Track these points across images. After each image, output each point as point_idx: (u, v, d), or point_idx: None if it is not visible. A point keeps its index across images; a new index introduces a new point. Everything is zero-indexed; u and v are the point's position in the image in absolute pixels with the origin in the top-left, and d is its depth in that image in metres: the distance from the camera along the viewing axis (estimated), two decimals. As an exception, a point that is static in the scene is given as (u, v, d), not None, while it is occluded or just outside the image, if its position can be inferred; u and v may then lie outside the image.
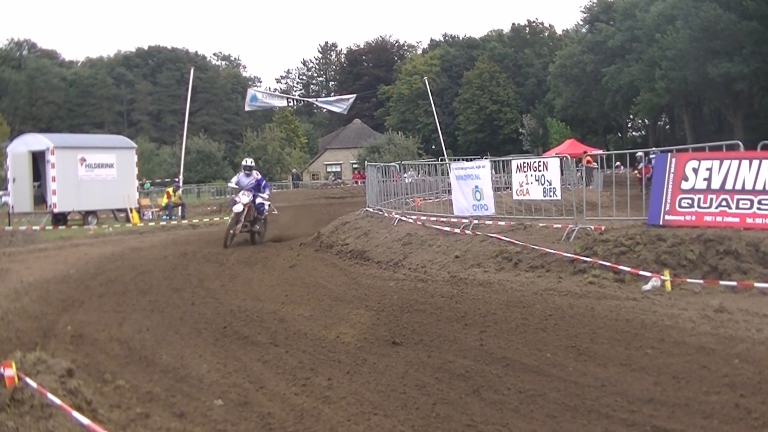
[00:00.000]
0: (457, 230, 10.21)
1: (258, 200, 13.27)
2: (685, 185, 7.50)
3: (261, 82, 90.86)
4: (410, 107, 70.95)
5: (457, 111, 67.82)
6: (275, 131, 51.18)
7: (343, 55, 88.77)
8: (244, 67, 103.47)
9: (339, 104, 27.87)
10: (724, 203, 7.15)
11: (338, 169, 63.67)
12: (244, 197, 12.98)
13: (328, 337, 5.74)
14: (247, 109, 26.99)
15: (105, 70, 76.47)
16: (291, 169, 48.21)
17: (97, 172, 20.36)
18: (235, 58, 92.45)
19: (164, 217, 22.17)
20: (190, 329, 6.27)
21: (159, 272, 9.94)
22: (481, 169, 10.57)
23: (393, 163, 17.18)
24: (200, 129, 59.84)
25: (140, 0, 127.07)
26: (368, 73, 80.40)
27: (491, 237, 9.27)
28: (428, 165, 18.86)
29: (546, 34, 73.34)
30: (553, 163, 9.33)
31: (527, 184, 9.50)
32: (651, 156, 19.67)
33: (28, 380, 3.54)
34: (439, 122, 40.83)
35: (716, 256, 6.74)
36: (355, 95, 29.81)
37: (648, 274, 6.80)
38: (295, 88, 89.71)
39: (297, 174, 47.39)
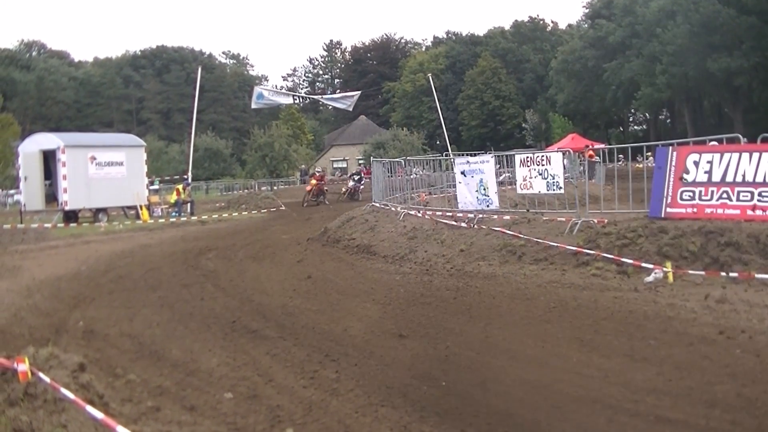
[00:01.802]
0: (462, 224, 10.27)
1: None
2: (686, 178, 7.52)
3: (268, 80, 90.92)
4: (415, 103, 71.08)
5: (460, 107, 67.92)
6: (282, 128, 51.23)
7: (348, 53, 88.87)
8: (252, 65, 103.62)
9: (344, 101, 27.90)
10: (724, 195, 7.17)
11: (345, 165, 63.77)
12: None
13: (336, 330, 5.82)
14: (253, 106, 27.07)
15: (114, 69, 76.92)
16: (299, 165, 48.33)
17: (107, 170, 20.50)
18: (242, 57, 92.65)
19: (173, 213, 22.32)
20: (199, 324, 6.36)
21: (168, 268, 10.05)
22: (486, 164, 10.62)
23: (398, 159, 17.22)
24: (208, 127, 60.10)
25: (148, 0, 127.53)
26: (373, 71, 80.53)
27: (495, 230, 9.31)
28: (432, 161, 18.91)
29: (548, 29, 73.18)
30: (556, 158, 9.36)
31: (531, 178, 9.54)
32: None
33: (41, 375, 3.59)
34: (443, 118, 40.76)
35: (717, 248, 6.75)
36: (359, 92, 29.78)
37: (650, 266, 6.81)
38: (301, 86, 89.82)
39: (305, 170, 47.57)
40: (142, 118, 75.71)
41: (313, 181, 25.14)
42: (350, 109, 29.25)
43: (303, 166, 47.37)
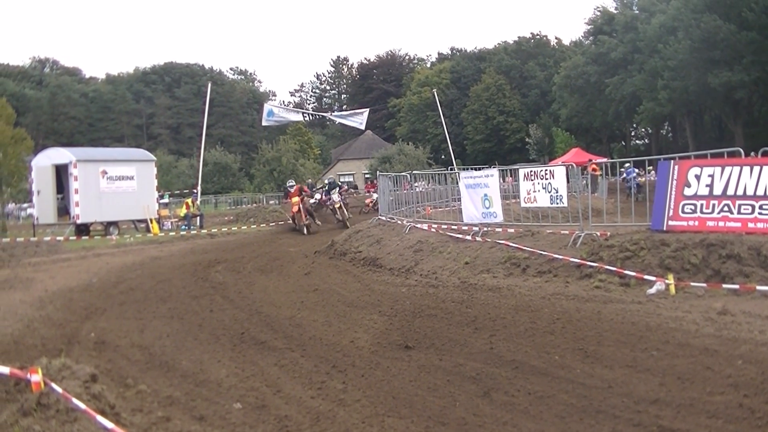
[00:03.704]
0: (467, 237, 10.35)
1: None
2: (687, 191, 7.60)
3: (275, 95, 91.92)
4: (420, 118, 71.61)
5: (465, 121, 68.41)
6: (289, 143, 51.61)
7: (354, 69, 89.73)
8: (260, 81, 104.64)
9: (354, 118, 27.95)
10: (726, 209, 7.24)
11: (351, 179, 64.05)
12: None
13: (343, 341, 5.86)
14: (264, 123, 27.01)
15: (125, 85, 77.91)
16: (306, 179, 48.63)
17: (118, 184, 20.76)
18: (250, 73, 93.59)
19: (183, 227, 22.50)
20: (208, 335, 6.43)
21: (178, 280, 10.14)
22: (490, 178, 10.72)
23: (404, 173, 17.35)
24: (217, 141, 60.71)
25: (159, 17, 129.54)
26: (378, 87, 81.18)
27: (500, 243, 9.38)
28: (438, 174, 19.02)
29: (551, 45, 73.70)
30: (560, 172, 9.44)
31: (535, 192, 9.62)
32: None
33: (54, 385, 3.64)
34: (448, 132, 40.99)
35: (719, 260, 6.81)
36: (368, 109, 29.81)
37: (652, 278, 6.87)
38: (308, 101, 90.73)
39: (312, 184, 47.84)
40: (153, 133, 76.48)
41: (296, 199, 18.96)
42: (362, 127, 29.19)
43: (309, 180, 47.63)
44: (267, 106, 26.49)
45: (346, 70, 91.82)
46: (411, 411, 4.08)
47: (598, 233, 8.75)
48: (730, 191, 7.23)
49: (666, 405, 3.86)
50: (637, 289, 6.87)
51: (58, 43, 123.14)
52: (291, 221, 19.74)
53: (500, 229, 10.44)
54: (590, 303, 6.58)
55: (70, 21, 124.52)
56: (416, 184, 17.90)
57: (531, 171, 9.93)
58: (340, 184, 21.92)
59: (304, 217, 18.81)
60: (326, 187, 22.09)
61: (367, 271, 10.24)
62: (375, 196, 22.32)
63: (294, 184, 20.66)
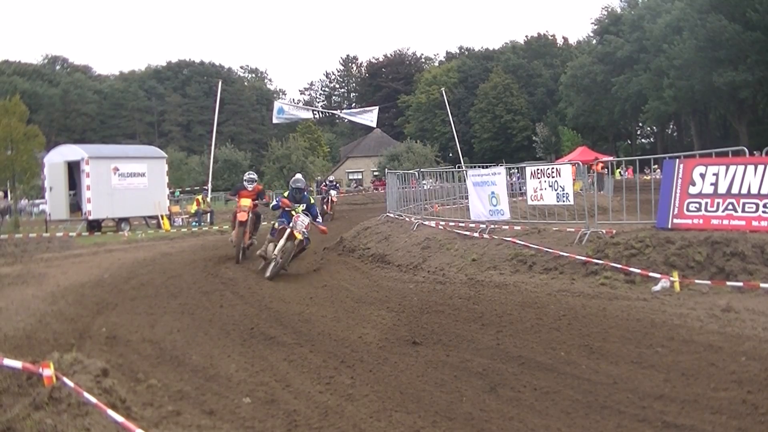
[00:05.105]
0: (474, 234, 10.40)
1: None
2: (692, 190, 7.63)
3: (285, 94, 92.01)
4: (428, 116, 71.81)
5: (473, 120, 68.52)
6: (299, 141, 51.71)
7: (363, 68, 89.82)
8: (270, 79, 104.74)
9: (365, 116, 27.94)
10: (730, 207, 7.28)
11: (360, 177, 64.18)
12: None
13: (351, 337, 5.91)
14: (275, 121, 26.99)
15: (136, 83, 78.36)
16: (315, 177, 48.63)
17: (129, 181, 20.94)
18: (261, 72, 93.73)
19: (194, 223, 22.67)
20: (218, 330, 6.47)
21: (189, 276, 10.19)
22: (497, 176, 10.76)
23: (412, 171, 17.39)
24: (227, 139, 60.94)
25: (171, 16, 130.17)
26: (387, 86, 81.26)
27: (507, 241, 9.43)
28: (445, 172, 19.05)
29: (558, 45, 73.58)
30: (566, 170, 9.47)
31: (541, 189, 9.65)
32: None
33: (66, 380, 3.66)
34: (455, 131, 41.05)
35: (723, 258, 6.84)
36: (377, 107, 29.79)
37: (657, 275, 6.91)
38: (317, 100, 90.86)
39: (321, 182, 47.92)
40: (164, 130, 76.93)
41: (247, 202, 11.63)
42: (374, 124, 29.16)
43: (319, 177, 47.69)
44: (277, 104, 26.50)
45: (355, 68, 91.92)
46: (418, 406, 4.13)
47: (604, 231, 8.79)
48: (735, 190, 7.27)
49: (671, 401, 3.91)
50: (642, 286, 6.91)
51: (70, 41, 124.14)
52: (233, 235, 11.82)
53: (507, 227, 10.48)
54: (596, 300, 6.61)
55: (83, 19, 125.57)
56: (424, 182, 17.94)
57: (538, 169, 9.96)
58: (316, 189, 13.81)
59: (248, 234, 11.84)
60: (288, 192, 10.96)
61: (375, 268, 10.28)
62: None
63: (255, 179, 12.48)
